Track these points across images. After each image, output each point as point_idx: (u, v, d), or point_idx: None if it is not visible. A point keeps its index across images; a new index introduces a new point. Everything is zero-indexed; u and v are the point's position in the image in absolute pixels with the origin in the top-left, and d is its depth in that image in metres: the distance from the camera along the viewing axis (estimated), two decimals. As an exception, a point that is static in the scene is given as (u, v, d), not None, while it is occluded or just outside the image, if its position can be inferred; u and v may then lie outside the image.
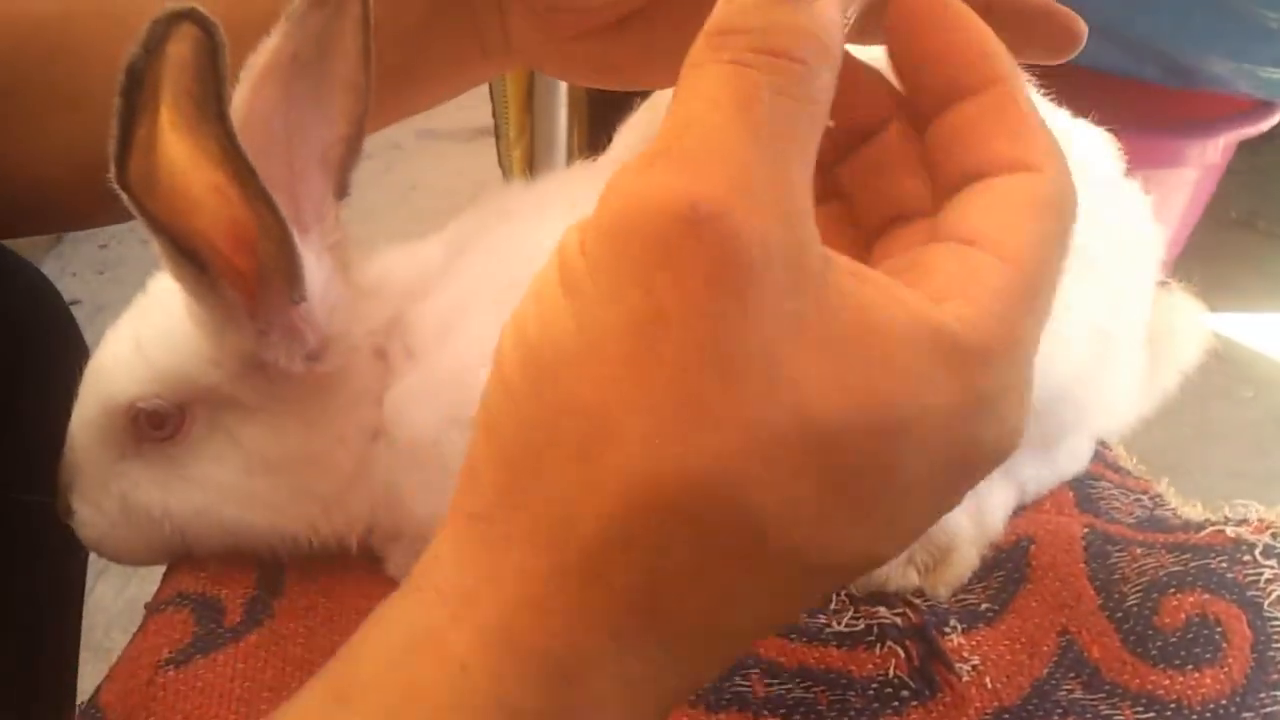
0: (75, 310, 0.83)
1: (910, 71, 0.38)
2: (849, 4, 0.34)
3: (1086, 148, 0.62)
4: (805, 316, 0.30)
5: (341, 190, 0.54)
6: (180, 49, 0.40)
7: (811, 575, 0.33)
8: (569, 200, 0.58)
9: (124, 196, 0.44)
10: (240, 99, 0.48)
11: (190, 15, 0.39)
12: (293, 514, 0.57)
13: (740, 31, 0.32)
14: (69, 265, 2.47)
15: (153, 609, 0.59)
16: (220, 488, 0.56)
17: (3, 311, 0.75)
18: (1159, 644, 0.53)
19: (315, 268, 0.52)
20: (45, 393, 0.59)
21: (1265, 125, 1.74)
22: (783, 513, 0.30)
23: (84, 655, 0.88)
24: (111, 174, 0.44)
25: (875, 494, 0.32)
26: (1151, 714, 0.51)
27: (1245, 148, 1.82)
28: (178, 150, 0.45)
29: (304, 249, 0.50)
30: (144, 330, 0.56)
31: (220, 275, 0.50)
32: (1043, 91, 0.66)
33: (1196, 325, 0.69)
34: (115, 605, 1.64)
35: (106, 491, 0.58)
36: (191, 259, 0.49)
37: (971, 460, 0.34)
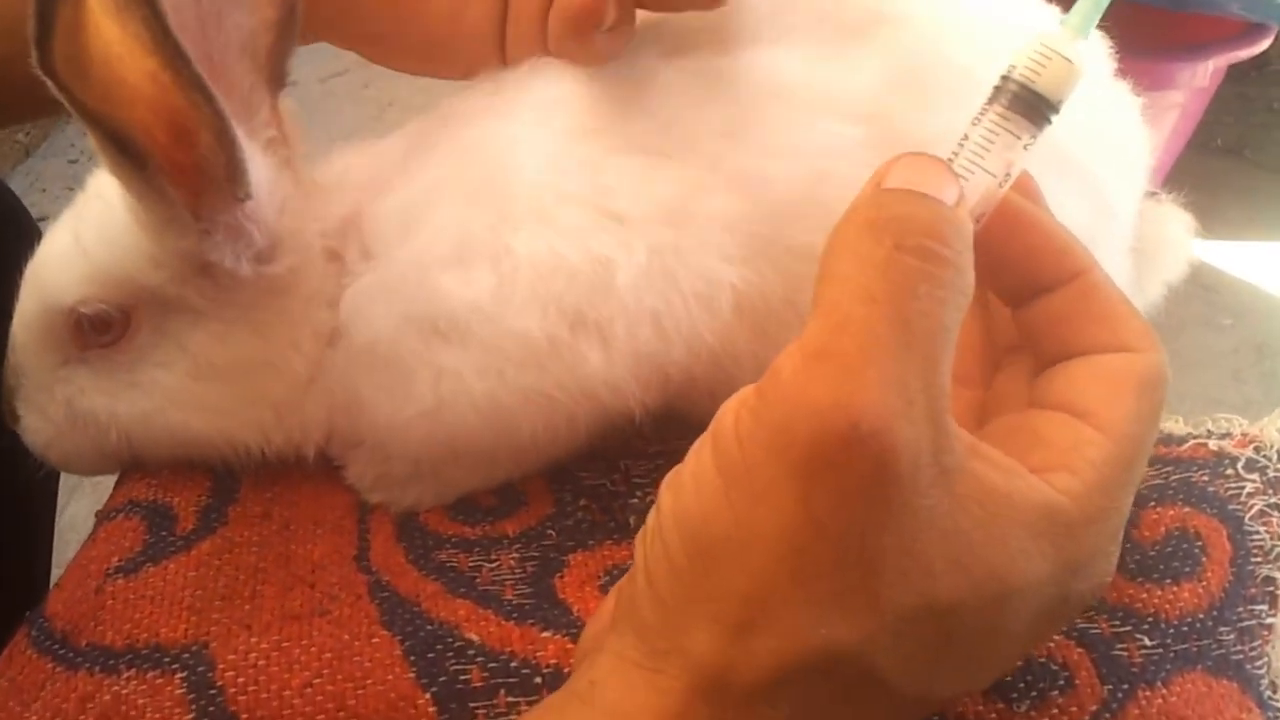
0: (44, 226, 0.80)
1: (1000, 271, 0.41)
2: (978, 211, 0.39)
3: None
4: (937, 508, 0.34)
5: (276, 81, 0.51)
6: None
7: (921, 706, 0.38)
8: (532, 100, 0.56)
9: (49, 83, 0.41)
10: None
11: None
12: (244, 421, 0.55)
13: (895, 219, 0.35)
14: (38, 181, 2.41)
15: (103, 517, 0.57)
16: (167, 394, 0.54)
17: None
18: (1137, 557, 0.52)
19: (259, 164, 0.49)
20: (9, 301, 0.57)
21: (1256, 49, 1.71)
22: (904, 669, 0.35)
23: (56, 575, 0.87)
24: (34, 58, 0.41)
25: (979, 649, 0.37)
26: (1128, 627, 0.50)
27: (1233, 75, 1.80)
28: (111, 35, 0.42)
29: (247, 144, 0.47)
30: (85, 230, 0.54)
31: (160, 171, 0.47)
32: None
33: (1183, 237, 0.67)
34: (88, 525, 1.63)
35: (51, 397, 0.56)
36: (129, 153, 0.46)
37: (1063, 611, 0.38)
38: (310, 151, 0.57)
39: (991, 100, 0.39)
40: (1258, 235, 2.09)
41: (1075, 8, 0.39)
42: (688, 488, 0.37)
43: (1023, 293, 0.42)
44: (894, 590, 0.34)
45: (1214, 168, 2.20)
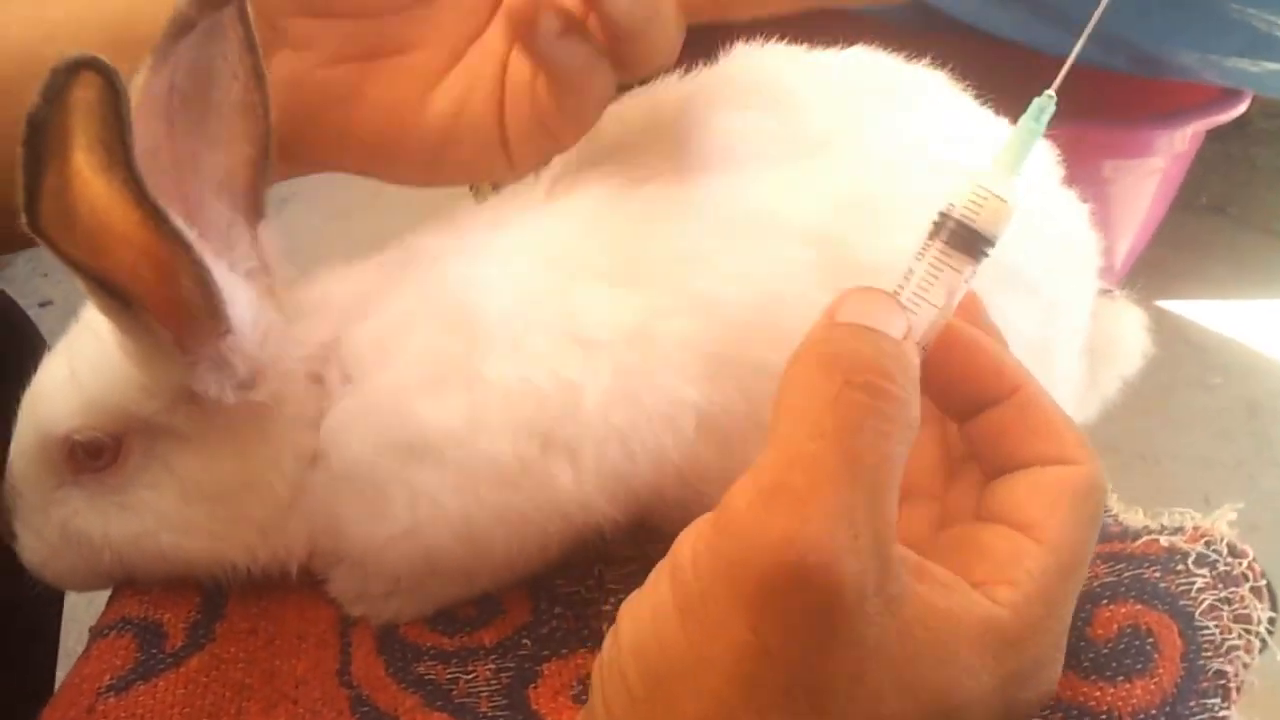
0: (47, 311, 0.82)
1: (944, 390, 0.43)
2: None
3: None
4: (885, 635, 0.35)
5: (255, 212, 0.53)
6: (86, 95, 0.40)
7: None
8: (498, 244, 0.57)
9: (41, 241, 0.44)
10: None
11: (91, 63, 0.39)
12: (230, 540, 0.57)
13: (844, 355, 0.38)
14: (40, 266, 2.44)
15: (96, 633, 0.59)
16: (157, 515, 0.56)
17: None
18: (1091, 655, 0.54)
19: (240, 298, 0.52)
20: (9, 411, 0.59)
21: (1233, 114, 1.73)
22: None
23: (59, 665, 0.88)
24: (23, 221, 0.43)
25: None
26: (1082, 726, 0.51)
27: (1215, 134, 1.82)
28: (97, 189, 0.45)
29: (227, 281, 0.50)
30: (78, 362, 0.56)
31: (145, 310, 0.50)
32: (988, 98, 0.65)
33: (1137, 333, 0.69)
34: (87, 614, 1.63)
35: (46, 518, 0.58)
36: (116, 295, 0.49)
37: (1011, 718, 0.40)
38: (296, 266, 0.59)
39: (933, 235, 0.41)
40: (1245, 293, 2.11)
41: (1005, 145, 0.41)
42: (644, 619, 0.39)
43: (966, 409, 0.44)
44: (842, 716, 0.35)
45: (1199, 226, 2.22)
